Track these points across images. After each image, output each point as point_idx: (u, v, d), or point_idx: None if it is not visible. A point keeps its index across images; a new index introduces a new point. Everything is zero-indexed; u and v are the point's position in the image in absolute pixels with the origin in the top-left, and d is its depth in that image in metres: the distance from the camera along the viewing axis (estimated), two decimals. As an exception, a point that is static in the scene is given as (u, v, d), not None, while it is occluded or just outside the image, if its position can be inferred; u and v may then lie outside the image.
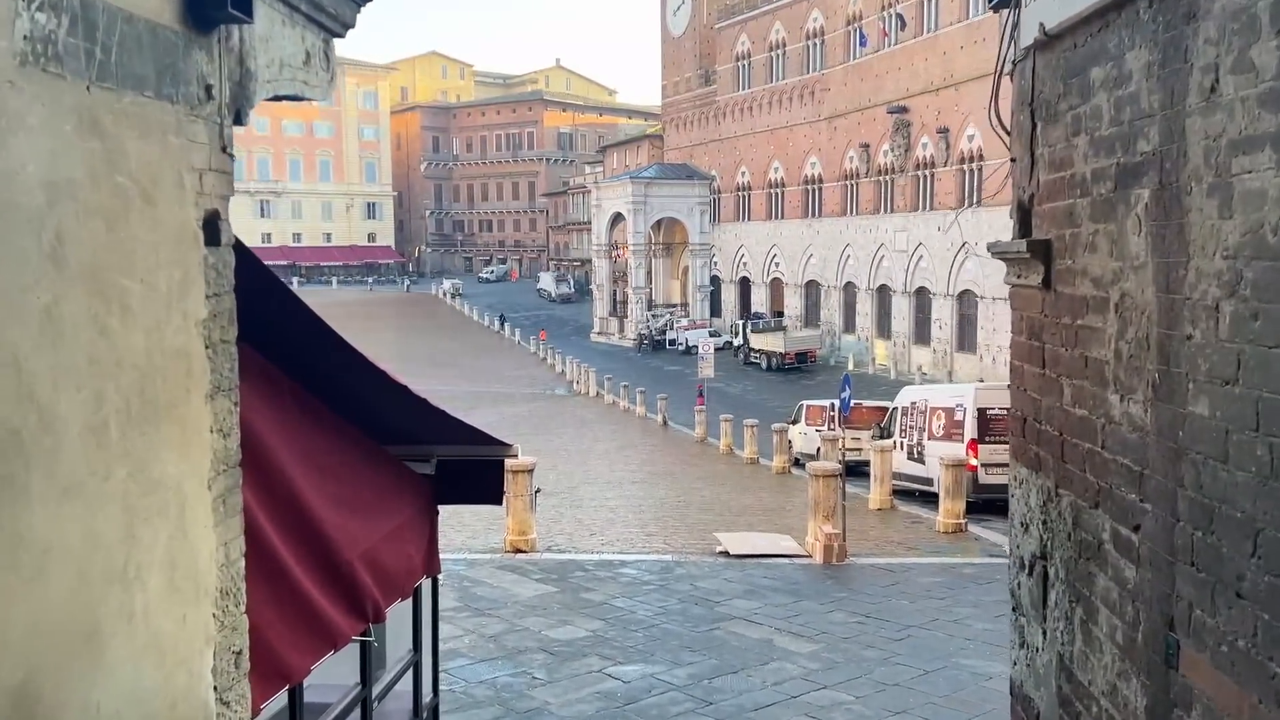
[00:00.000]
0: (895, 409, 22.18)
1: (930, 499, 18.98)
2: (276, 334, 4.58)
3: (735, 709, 8.19)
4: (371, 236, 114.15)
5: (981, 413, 18.26)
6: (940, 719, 8.03)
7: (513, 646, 9.74)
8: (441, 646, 10.04)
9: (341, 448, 5.61)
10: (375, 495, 5.95)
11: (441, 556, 13.44)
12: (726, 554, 13.73)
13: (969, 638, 10.19)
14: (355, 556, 5.41)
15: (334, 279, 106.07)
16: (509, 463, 13.85)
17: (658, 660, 9.38)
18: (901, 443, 21.24)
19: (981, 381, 28.64)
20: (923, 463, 19.51)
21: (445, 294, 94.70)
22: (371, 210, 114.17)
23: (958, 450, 18.02)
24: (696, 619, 10.73)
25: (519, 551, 13.64)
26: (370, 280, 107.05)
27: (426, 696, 6.84)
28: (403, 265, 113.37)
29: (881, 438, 21.86)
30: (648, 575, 12.62)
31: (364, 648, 5.66)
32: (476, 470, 7.10)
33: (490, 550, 13.96)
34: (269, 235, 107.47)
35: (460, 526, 16.69)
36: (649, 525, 17.12)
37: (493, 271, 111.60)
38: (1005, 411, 17.75)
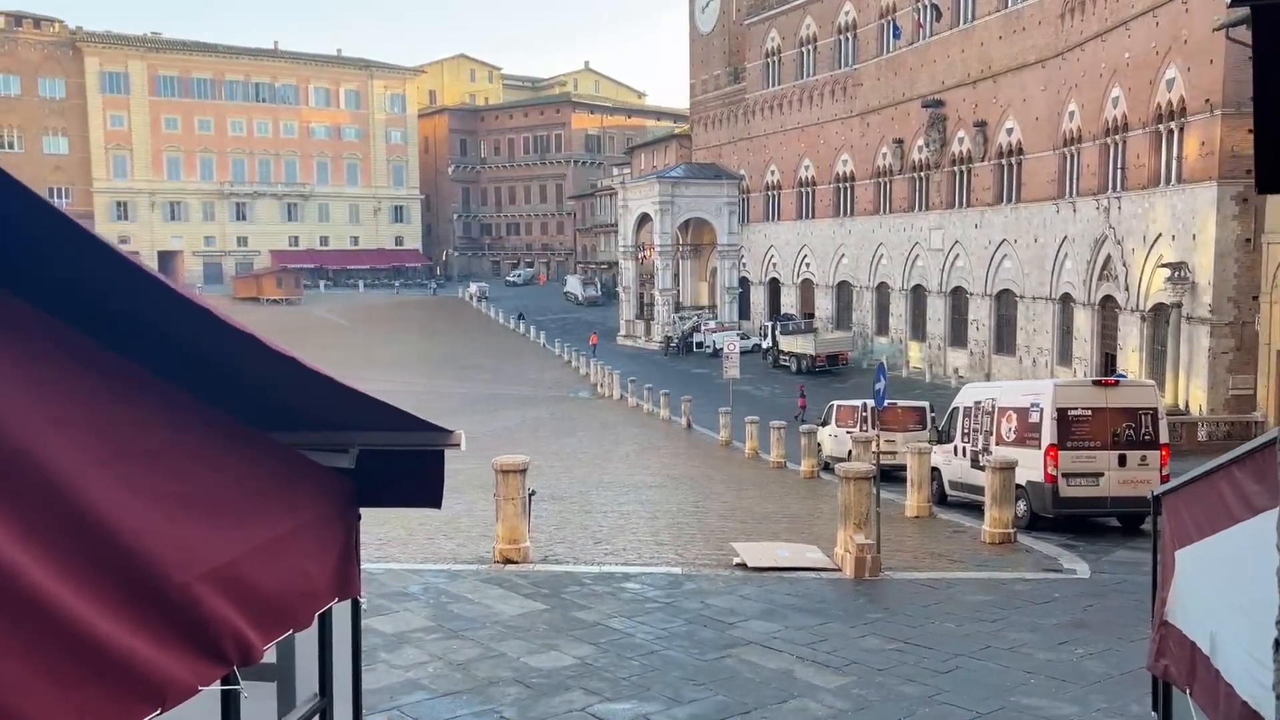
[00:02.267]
0: (955, 409, 19.92)
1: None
2: (64, 282, 3.04)
3: (744, 763, 6.62)
4: (399, 240, 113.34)
5: (1062, 414, 15.97)
6: (1001, 780, 6.43)
7: (484, 677, 8.20)
8: (400, 676, 8.55)
9: (192, 433, 4.00)
10: (246, 493, 4.31)
11: (423, 568, 11.98)
12: (744, 566, 12.14)
13: (1029, 670, 8.54)
14: (198, 575, 3.75)
15: (361, 282, 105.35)
16: (499, 462, 12.36)
17: (653, 697, 7.81)
18: (963, 448, 19.07)
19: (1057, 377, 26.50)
20: None
21: (471, 297, 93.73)
22: (399, 214, 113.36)
23: (1034, 458, 16.06)
24: (704, 644, 9.15)
25: (509, 562, 12.11)
26: (397, 284, 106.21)
27: None
28: (430, 269, 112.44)
29: (939, 442, 20.01)
30: (652, 591, 11.05)
31: (227, 700, 4.14)
32: (411, 464, 5.40)
33: (479, 561, 12.45)
34: (296, 238, 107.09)
35: (453, 533, 15.21)
36: (661, 534, 15.53)
37: (520, 275, 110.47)
38: (1091, 412, 16.10)
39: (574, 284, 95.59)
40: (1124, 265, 36.21)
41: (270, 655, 5.43)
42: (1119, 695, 7.90)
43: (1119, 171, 37.02)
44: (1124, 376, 28.54)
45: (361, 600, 5.22)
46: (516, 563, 12.11)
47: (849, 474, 12.14)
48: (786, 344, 55.86)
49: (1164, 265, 32.64)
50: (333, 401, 4.55)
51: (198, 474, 3.81)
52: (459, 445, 5.13)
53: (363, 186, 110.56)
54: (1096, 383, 17.28)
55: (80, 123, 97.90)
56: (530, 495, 12.68)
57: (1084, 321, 39.36)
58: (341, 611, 5.03)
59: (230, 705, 4.08)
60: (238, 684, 4.06)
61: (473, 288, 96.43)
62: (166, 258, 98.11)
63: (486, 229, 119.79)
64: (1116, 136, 37.15)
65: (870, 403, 23.01)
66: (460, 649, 8.93)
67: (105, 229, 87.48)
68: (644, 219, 70.68)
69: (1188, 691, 4.11)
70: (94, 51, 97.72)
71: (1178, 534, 4.32)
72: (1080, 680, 8.28)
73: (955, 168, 49.42)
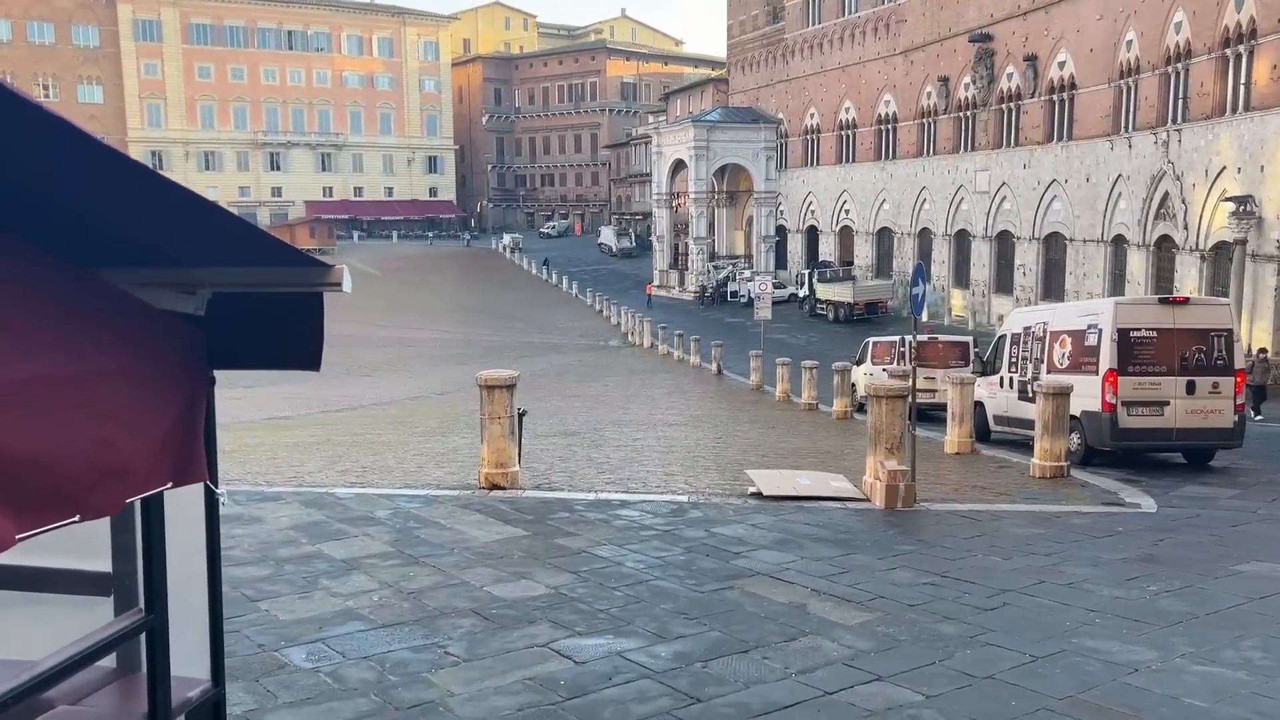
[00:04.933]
0: (1002, 337, 18.17)
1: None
2: None
3: (735, 711, 5.23)
4: (433, 191, 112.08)
5: (1124, 335, 14.18)
6: (1064, 738, 5.00)
7: (435, 608, 6.89)
8: (337, 604, 7.20)
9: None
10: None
11: (398, 493, 10.68)
12: (760, 495, 10.73)
13: (1092, 608, 7.07)
14: None
15: (395, 234, 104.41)
16: (483, 376, 10.95)
17: (635, 631, 6.45)
18: (1010, 379, 17.30)
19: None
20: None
21: (505, 249, 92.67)
22: (433, 164, 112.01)
23: (1091, 384, 14.23)
24: (703, 575, 7.77)
25: (496, 488, 10.78)
26: (431, 235, 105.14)
27: (198, 688, 3.85)
28: (464, 221, 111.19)
29: (984, 374, 18.34)
30: (651, 518, 9.66)
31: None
32: (280, 311, 3.85)
33: (464, 487, 11.14)
34: (330, 189, 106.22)
35: (445, 460, 13.94)
36: (673, 465, 14.14)
37: (554, 227, 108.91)
38: (1157, 333, 14.38)
39: (608, 235, 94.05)
40: (1183, 202, 34.06)
41: (103, 562, 3.98)
42: (1206, 638, 6.43)
43: (1180, 102, 34.76)
44: None
45: (220, 493, 3.75)
46: (504, 488, 10.78)
47: (880, 392, 10.65)
48: (824, 292, 54.19)
49: (1228, 199, 30.52)
50: (171, 218, 3.08)
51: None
52: (340, 285, 3.55)
53: (396, 136, 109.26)
54: (1163, 300, 15.50)
55: (114, 71, 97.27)
56: (520, 415, 11.33)
57: (1138, 264, 37.28)
58: (187, 504, 3.60)
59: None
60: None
61: (506, 239, 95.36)
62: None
63: (521, 180, 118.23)
64: (1178, 65, 34.84)
65: (908, 337, 21.41)
66: (416, 576, 7.62)
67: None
68: (679, 166, 68.79)
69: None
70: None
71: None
72: (1157, 621, 6.81)
73: (1003, 105, 47.12)
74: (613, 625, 6.57)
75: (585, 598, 7.14)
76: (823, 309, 53.97)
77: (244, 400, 29.15)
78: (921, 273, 12.36)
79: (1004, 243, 47.40)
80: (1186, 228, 33.85)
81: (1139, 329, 14.17)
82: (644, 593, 7.28)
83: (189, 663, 3.68)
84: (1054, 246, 43.93)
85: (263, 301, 3.46)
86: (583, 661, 5.92)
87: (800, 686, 5.58)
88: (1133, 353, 14.11)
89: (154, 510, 3.29)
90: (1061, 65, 42.90)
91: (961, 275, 50.59)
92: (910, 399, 10.82)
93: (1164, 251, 35.92)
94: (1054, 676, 5.75)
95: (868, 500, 10.61)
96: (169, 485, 3.29)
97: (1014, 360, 17.18)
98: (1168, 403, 14.11)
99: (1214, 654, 6.14)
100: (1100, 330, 14.34)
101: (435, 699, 5.39)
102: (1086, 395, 14.07)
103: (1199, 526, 10.22)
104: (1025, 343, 16.73)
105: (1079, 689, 5.56)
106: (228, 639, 6.36)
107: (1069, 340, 15.21)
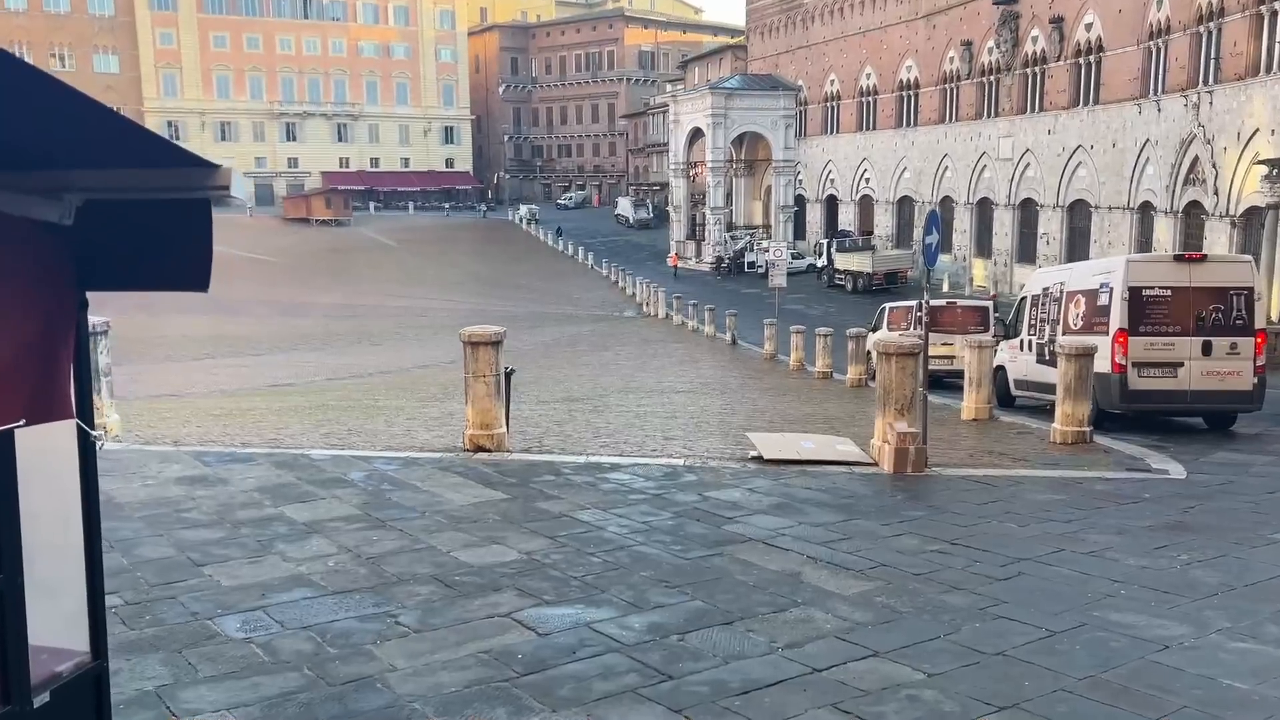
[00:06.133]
0: (1023, 299, 17.66)
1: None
2: None
3: (709, 690, 4.62)
4: (449, 162, 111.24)
5: (1135, 293, 13.56)
6: (1084, 723, 4.36)
7: (393, 574, 6.30)
8: (289, 570, 6.61)
9: None
10: None
11: (376, 455, 10.08)
12: (760, 459, 10.08)
13: (1116, 578, 6.42)
14: None
15: (411, 205, 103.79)
16: (466, 333, 10.28)
17: (607, 600, 5.85)
18: (1029, 341, 16.77)
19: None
20: (1055, 365, 14.72)
21: (522, 220, 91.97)
22: (449, 134, 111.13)
23: (1102, 345, 13.44)
24: (691, 541, 7.15)
25: (480, 450, 10.17)
26: (447, 206, 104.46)
27: (70, 661, 3.25)
28: (481, 192, 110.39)
29: (1006, 337, 17.79)
30: (642, 482, 9.04)
31: None
32: (161, 221, 3.17)
33: (446, 449, 10.55)
34: (347, 160, 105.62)
35: (436, 425, 13.36)
36: (674, 430, 13.51)
37: (571, 198, 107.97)
38: (1171, 292, 13.62)
39: (625, 206, 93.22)
40: (1213, 167, 33.00)
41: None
42: (1246, 612, 5.76)
43: (1212, 62, 33.63)
44: None
45: (96, 435, 3.11)
46: (489, 451, 10.18)
47: (889, 349, 9.97)
48: (842, 262, 53.31)
49: (1261, 162, 29.48)
50: (30, 109, 2.44)
51: None
52: (228, 189, 2.87)
53: (413, 106, 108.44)
54: (1179, 258, 14.75)
55: (130, 41, 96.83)
56: (508, 374, 10.71)
57: (1165, 231, 36.24)
58: (51, 445, 2.97)
59: None
60: None
61: (523, 210, 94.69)
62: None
63: (538, 151, 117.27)
64: (1210, 24, 33.68)
65: (924, 301, 20.64)
66: (380, 541, 7.04)
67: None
68: (696, 134, 67.73)
69: None
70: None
71: None
72: (1188, 592, 6.15)
73: (1028, 69, 45.95)
74: (585, 594, 5.97)
75: (559, 564, 6.54)
76: (841, 279, 53.12)
77: (249, 368, 28.73)
78: (935, 219, 11.64)
79: (1027, 211, 46.36)
80: (1217, 193, 32.81)
81: (1152, 287, 13.50)
82: (624, 559, 6.68)
83: (70, 633, 3.09)
84: (1078, 214, 42.89)
85: (143, 210, 2.82)
86: (546, 633, 5.33)
87: (786, 662, 4.97)
88: (1145, 312, 13.46)
89: (1, 449, 2.68)
90: (1089, 27, 41.70)
91: (984, 244, 49.60)
92: (922, 356, 10.12)
93: (1193, 218, 34.89)
94: (1073, 653, 5.11)
95: (875, 464, 9.96)
96: (21, 422, 2.68)
97: (1033, 322, 16.51)
98: (1182, 364, 13.44)
99: (1254, 629, 5.48)
100: (1111, 289, 13.65)
101: (374, 674, 4.81)
102: (1098, 356, 13.38)
103: (1232, 493, 9.52)
104: (1044, 304, 16.03)
105: (1101, 667, 4.92)
106: (158, 606, 5.81)
107: (1083, 300, 14.54)
